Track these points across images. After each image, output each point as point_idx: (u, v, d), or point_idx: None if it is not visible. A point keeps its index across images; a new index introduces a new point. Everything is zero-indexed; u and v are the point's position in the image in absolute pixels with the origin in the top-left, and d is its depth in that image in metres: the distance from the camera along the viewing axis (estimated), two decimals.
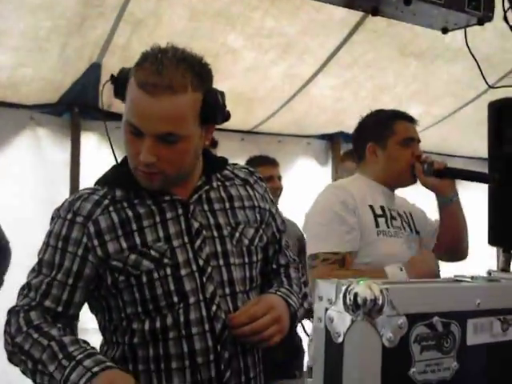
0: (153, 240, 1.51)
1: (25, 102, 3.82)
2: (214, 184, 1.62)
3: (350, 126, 4.93)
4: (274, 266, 1.71)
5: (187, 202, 1.56)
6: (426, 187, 2.51)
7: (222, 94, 1.49)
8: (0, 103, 3.75)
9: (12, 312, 1.49)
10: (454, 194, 2.49)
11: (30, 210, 3.77)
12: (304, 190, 4.81)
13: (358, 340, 0.80)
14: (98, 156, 3.96)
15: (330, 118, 4.69)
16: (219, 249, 1.55)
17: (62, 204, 1.57)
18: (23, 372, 1.46)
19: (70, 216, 1.52)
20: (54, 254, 1.52)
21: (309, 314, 1.59)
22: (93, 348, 1.40)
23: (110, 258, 1.49)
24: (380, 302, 0.79)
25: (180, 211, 1.55)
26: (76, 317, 1.54)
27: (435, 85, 4.25)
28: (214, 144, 3.20)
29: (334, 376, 0.83)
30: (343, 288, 0.81)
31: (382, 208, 2.45)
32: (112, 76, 1.49)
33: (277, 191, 3.77)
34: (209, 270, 1.52)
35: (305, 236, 2.64)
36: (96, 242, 1.50)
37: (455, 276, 0.99)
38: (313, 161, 5.21)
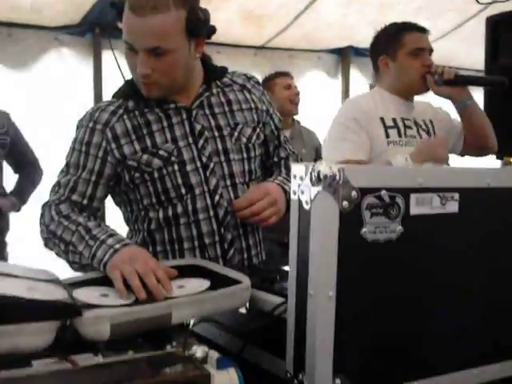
0: (161, 142, 1.77)
1: (49, 24, 4.02)
2: (214, 91, 1.86)
3: (358, 40, 5.10)
4: (276, 159, 1.97)
5: (190, 108, 1.81)
6: (440, 96, 2.70)
7: (205, 10, 1.72)
8: (26, 26, 3.97)
9: (45, 206, 1.77)
10: (467, 97, 2.67)
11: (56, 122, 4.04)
12: (316, 101, 5.03)
13: (321, 206, 1.06)
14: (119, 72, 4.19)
15: (339, 33, 4.84)
16: (220, 147, 1.81)
17: (84, 115, 1.84)
18: (57, 254, 1.73)
19: (91, 124, 1.79)
20: (78, 157, 1.79)
21: None
22: (113, 230, 1.65)
23: (127, 159, 1.77)
24: (337, 177, 1.05)
25: (184, 116, 1.80)
26: (98, 209, 1.81)
27: (438, 0, 4.36)
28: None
29: (304, 234, 1.09)
30: (310, 168, 1.06)
31: (394, 119, 2.65)
32: (111, 3, 1.72)
33: (296, 97, 4.03)
34: (211, 165, 1.79)
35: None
36: (114, 145, 1.77)
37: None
38: (323, 74, 5.39)
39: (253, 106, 1.90)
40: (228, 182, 1.82)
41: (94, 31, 4.22)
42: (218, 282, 1.39)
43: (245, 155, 1.85)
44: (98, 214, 1.83)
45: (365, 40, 5.15)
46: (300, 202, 1.10)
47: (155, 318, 1.23)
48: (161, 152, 1.77)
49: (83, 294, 1.33)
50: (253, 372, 1.19)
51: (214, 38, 3.99)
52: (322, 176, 1.04)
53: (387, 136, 2.58)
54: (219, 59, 4.62)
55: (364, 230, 1.09)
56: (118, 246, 1.53)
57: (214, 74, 1.88)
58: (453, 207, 1.19)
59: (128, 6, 1.64)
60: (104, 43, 4.25)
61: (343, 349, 1.09)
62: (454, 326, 1.24)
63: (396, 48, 2.70)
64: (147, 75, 1.68)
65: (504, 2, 2.68)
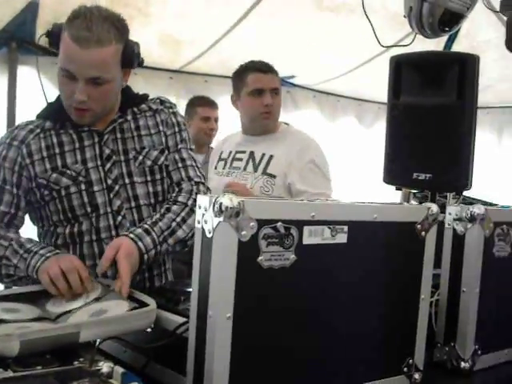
0: (71, 162, 1.88)
1: None
2: (129, 117, 1.98)
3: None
4: (170, 182, 2.01)
5: (102, 132, 1.92)
6: None
7: (138, 44, 1.88)
8: None
9: None
10: None
11: None
12: (230, 126, 5.17)
13: (222, 235, 1.16)
14: (35, 87, 4.17)
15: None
16: (125, 170, 1.92)
17: (5, 133, 1.94)
18: None
19: (8, 141, 1.90)
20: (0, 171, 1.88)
21: (184, 245, 1.90)
22: (44, 243, 1.79)
23: (37, 177, 1.87)
24: (237, 209, 1.15)
25: (96, 139, 1.91)
26: (23, 220, 1.93)
27: (349, 38, 4.58)
28: None
29: (206, 260, 1.19)
30: (213, 199, 1.17)
31: (230, 152, 2.86)
32: (48, 31, 1.82)
33: (212, 131, 4.09)
34: (116, 187, 1.90)
35: None
36: (28, 161, 1.88)
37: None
38: None
39: (161, 128, 2.00)
40: (133, 204, 1.92)
41: (9, 46, 4.19)
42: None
43: (148, 178, 1.95)
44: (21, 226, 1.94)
45: (277, 69, 5.37)
46: (203, 230, 1.20)
47: (64, 336, 1.29)
48: (69, 172, 1.87)
49: None
50: None
51: None
52: (223, 207, 1.15)
53: (215, 167, 2.95)
54: (135, 81, 4.67)
55: (260, 257, 1.20)
56: (49, 254, 1.68)
57: (131, 101, 2.00)
58: (342, 238, 1.32)
59: (70, 37, 1.73)
60: (21, 59, 4.24)
61: (239, 366, 1.19)
62: (343, 346, 1.37)
63: (240, 87, 2.90)
64: (84, 102, 1.79)
65: (406, 46, 2.87)
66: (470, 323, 1.65)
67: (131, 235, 1.78)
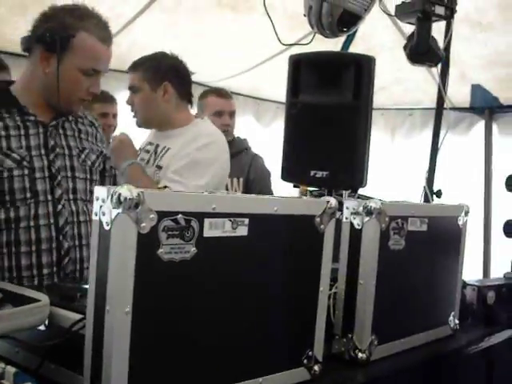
0: (16, 147, 1.92)
1: None
2: (70, 118, 2.12)
3: None
4: None
5: (47, 124, 2.01)
6: None
7: None
8: None
9: None
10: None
11: None
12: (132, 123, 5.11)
13: (120, 227, 1.13)
14: None
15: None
16: (68, 163, 2.01)
17: None
18: None
19: None
20: None
21: None
22: None
23: None
24: (136, 200, 1.13)
25: (41, 130, 1.99)
26: None
27: (250, 36, 4.62)
28: None
29: (103, 253, 1.16)
30: (111, 190, 1.13)
31: (143, 144, 2.95)
32: (54, 34, 1.92)
33: (110, 128, 3.99)
34: (59, 177, 1.97)
35: None
36: None
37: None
38: None
39: (100, 145, 2.21)
40: (71, 196, 1.99)
41: None
42: (15, 300, 1.41)
43: (88, 176, 2.08)
44: None
45: None
46: (101, 222, 1.16)
47: None
48: (14, 155, 1.91)
49: None
50: None
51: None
52: (122, 199, 1.11)
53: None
54: None
55: (160, 250, 1.17)
56: None
57: None
58: (243, 231, 1.32)
59: (97, 38, 1.95)
60: None
61: (138, 361, 1.16)
62: (242, 338, 1.36)
63: None
64: (96, 94, 2.06)
65: (306, 44, 2.92)
66: (366, 315, 1.69)
67: None
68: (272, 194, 3.77)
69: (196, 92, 5.70)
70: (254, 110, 5.89)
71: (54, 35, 1.92)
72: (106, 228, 1.14)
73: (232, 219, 1.29)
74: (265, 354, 1.43)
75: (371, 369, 1.71)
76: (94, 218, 1.18)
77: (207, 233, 1.25)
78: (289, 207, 1.43)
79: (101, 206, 1.16)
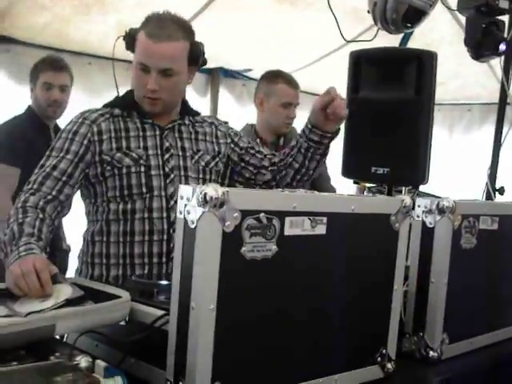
0: (135, 146, 2.07)
1: None
2: (186, 121, 2.19)
3: (227, 62, 5.26)
4: (266, 164, 2.28)
5: (164, 127, 2.12)
6: None
7: (202, 44, 2.11)
8: None
9: (23, 191, 1.96)
10: None
11: None
12: None
13: (205, 226, 1.15)
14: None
15: (211, 54, 4.97)
16: (181, 163, 2.11)
17: (76, 115, 2.12)
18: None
19: (80, 120, 2.08)
20: (64, 143, 2.03)
21: None
22: (36, 241, 1.76)
23: (103, 153, 2.03)
24: (221, 199, 1.14)
25: (157, 132, 2.11)
26: (73, 188, 2.02)
27: (312, 29, 4.60)
28: None
29: (188, 251, 1.18)
30: (197, 189, 1.15)
31: None
32: (125, 35, 2.07)
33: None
34: (172, 176, 2.08)
35: None
36: (96, 138, 2.04)
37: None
38: (193, 92, 5.52)
39: (221, 141, 2.24)
40: None
41: None
42: (97, 297, 1.44)
43: (201, 176, 2.15)
44: (70, 197, 2.03)
45: (234, 62, 5.36)
46: (186, 221, 1.18)
47: (39, 329, 1.26)
48: (133, 154, 2.05)
49: None
50: (131, 382, 1.26)
51: (87, 49, 4.02)
52: (208, 198, 1.13)
53: None
54: (90, 70, 4.61)
55: (244, 248, 1.19)
56: (23, 253, 1.67)
57: (189, 110, 2.22)
58: (321, 229, 1.33)
59: (146, 34, 1.99)
60: None
61: (221, 357, 1.19)
62: (320, 337, 1.37)
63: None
64: (155, 91, 2.01)
65: (369, 41, 2.90)
66: (438, 313, 1.68)
67: None
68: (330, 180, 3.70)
69: (253, 88, 5.77)
70: (310, 106, 5.88)
71: (127, 35, 2.08)
72: (192, 226, 1.16)
73: (311, 218, 1.30)
74: (340, 351, 1.44)
75: (442, 368, 1.71)
76: (178, 216, 1.20)
77: (288, 231, 1.26)
78: (365, 206, 1.44)
79: (185, 205, 1.18)
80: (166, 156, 2.10)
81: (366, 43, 3.36)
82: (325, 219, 1.33)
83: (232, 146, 2.27)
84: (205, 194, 1.13)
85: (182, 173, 2.12)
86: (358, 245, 1.43)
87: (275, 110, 3.27)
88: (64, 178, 1.99)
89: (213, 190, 1.14)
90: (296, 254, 1.29)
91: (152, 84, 2.00)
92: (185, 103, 2.24)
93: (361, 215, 1.41)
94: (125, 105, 2.13)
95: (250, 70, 5.46)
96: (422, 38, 4.83)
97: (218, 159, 2.22)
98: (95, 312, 1.35)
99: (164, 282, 1.65)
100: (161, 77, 2.00)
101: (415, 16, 2.75)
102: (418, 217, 1.71)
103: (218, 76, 5.54)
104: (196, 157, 2.15)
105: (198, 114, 2.28)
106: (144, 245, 2.03)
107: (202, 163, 2.16)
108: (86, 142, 2.04)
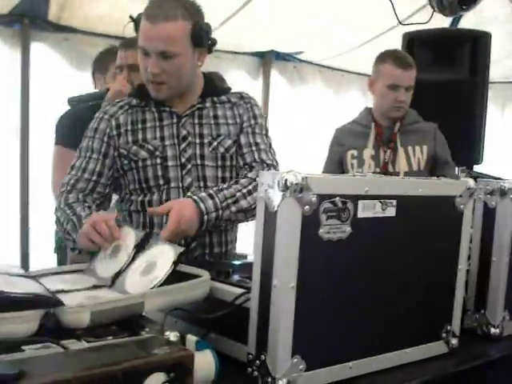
0: (151, 138, 2.06)
1: None
2: (207, 104, 2.12)
3: (280, 45, 5.32)
4: (241, 164, 2.13)
5: (181, 115, 2.08)
6: None
7: (208, 24, 2.01)
8: None
9: (60, 193, 2.05)
10: None
11: None
12: None
13: (286, 210, 1.23)
14: (47, 63, 4.26)
15: (263, 37, 5.03)
16: (198, 152, 2.07)
17: (99, 110, 2.16)
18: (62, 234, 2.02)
19: (101, 115, 2.12)
20: (88, 142, 2.09)
21: (246, 214, 1.99)
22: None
23: (120, 147, 2.06)
24: (301, 185, 1.22)
25: (175, 120, 2.08)
26: (106, 186, 2.08)
27: (363, 11, 4.62)
28: None
29: (269, 233, 1.26)
30: (277, 176, 1.23)
31: None
32: (132, 18, 2.02)
33: None
34: (188, 166, 2.05)
35: None
36: (115, 132, 2.07)
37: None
38: (245, 74, 5.60)
39: (238, 121, 2.13)
40: (201, 184, 2.06)
41: (22, 23, 4.22)
42: (179, 276, 1.54)
43: (219, 163, 2.08)
44: (107, 192, 2.11)
45: (286, 45, 5.41)
46: (266, 205, 1.26)
47: (130, 306, 1.36)
48: (148, 146, 2.05)
49: (48, 283, 1.47)
50: None
51: None
52: (288, 183, 1.21)
53: None
54: None
55: (321, 230, 1.27)
56: (85, 219, 1.83)
57: (212, 91, 2.14)
58: (391, 212, 1.40)
59: (144, 17, 1.92)
60: (33, 35, 4.27)
61: (300, 332, 1.27)
62: (390, 313, 1.45)
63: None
64: (157, 74, 1.96)
65: (424, 23, 2.93)
66: (499, 291, 1.73)
67: (194, 197, 1.92)
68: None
69: (303, 70, 5.82)
70: (360, 87, 5.91)
71: (133, 19, 2.03)
72: (272, 210, 1.25)
73: (382, 201, 1.37)
74: (408, 327, 1.51)
75: (503, 344, 1.75)
76: (259, 200, 1.28)
77: (361, 214, 1.33)
78: (432, 189, 1.50)
79: (266, 190, 1.26)
80: (183, 145, 2.06)
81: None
82: (394, 202, 1.39)
83: (243, 128, 2.14)
84: (285, 180, 1.21)
85: (199, 162, 2.06)
86: (424, 226, 1.49)
87: (382, 92, 3.08)
88: (94, 178, 2.04)
89: (293, 176, 1.22)
90: (368, 234, 1.36)
91: (152, 67, 1.94)
92: (208, 83, 2.16)
93: (428, 197, 1.48)
94: (141, 94, 2.10)
95: (301, 52, 5.51)
96: (474, 16, 4.81)
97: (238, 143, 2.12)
98: (179, 290, 1.44)
99: (237, 262, 1.74)
100: (161, 59, 1.93)
101: None
102: (479, 198, 1.76)
103: (270, 59, 5.61)
104: (215, 143, 2.08)
105: (224, 92, 2.18)
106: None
107: (222, 149, 2.08)
108: (105, 138, 2.06)
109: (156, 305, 1.41)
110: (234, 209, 1.96)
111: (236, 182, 2.03)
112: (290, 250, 1.24)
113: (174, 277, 1.52)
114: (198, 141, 2.07)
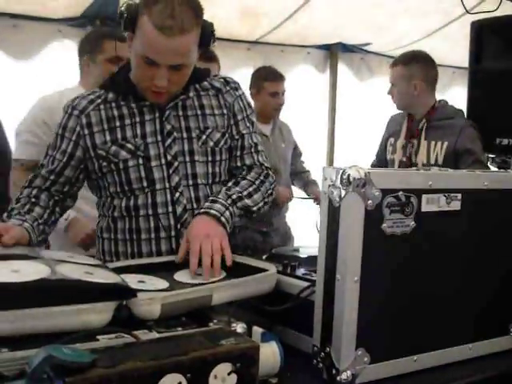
0: (131, 136, 1.89)
1: (52, 16, 4.18)
2: (191, 94, 1.96)
3: (346, 37, 5.29)
4: (239, 164, 2.01)
5: (164, 108, 1.91)
6: None
7: (212, 24, 1.85)
8: (31, 17, 4.12)
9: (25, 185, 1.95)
10: None
11: None
12: (304, 94, 5.27)
13: (349, 204, 1.25)
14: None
15: (329, 30, 5.02)
16: (186, 147, 1.91)
17: (67, 102, 1.98)
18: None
19: (69, 110, 1.94)
20: (55, 139, 1.94)
21: (247, 211, 1.90)
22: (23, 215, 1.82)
23: (97, 148, 1.89)
24: (364, 180, 1.24)
25: (157, 114, 1.91)
26: (65, 185, 1.95)
27: (426, 1, 4.56)
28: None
29: (333, 228, 1.28)
30: (340, 171, 1.25)
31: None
32: (120, 13, 1.78)
33: (279, 106, 3.95)
34: (175, 164, 1.90)
35: None
36: (86, 131, 1.90)
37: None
38: (312, 68, 5.59)
39: (224, 111, 1.99)
40: (190, 182, 1.92)
41: (94, 24, 4.34)
42: (245, 270, 1.58)
43: (209, 158, 1.94)
44: (67, 190, 1.97)
45: (353, 37, 5.38)
46: (330, 200, 1.28)
47: (198, 299, 1.41)
48: (128, 145, 1.89)
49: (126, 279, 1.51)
50: None
51: None
52: (351, 179, 1.23)
53: None
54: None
55: (384, 224, 1.29)
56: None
57: (193, 77, 1.94)
58: (456, 205, 1.39)
59: (154, 25, 1.71)
60: None
61: (364, 326, 1.29)
62: (455, 308, 1.45)
63: None
64: (164, 86, 1.81)
65: (492, 12, 2.87)
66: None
67: (201, 210, 1.80)
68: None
69: (370, 62, 5.78)
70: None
71: (124, 13, 1.78)
72: (336, 205, 1.27)
73: (446, 195, 1.37)
74: (475, 322, 1.50)
75: None
76: (322, 195, 1.31)
77: (425, 208, 1.34)
78: (498, 182, 1.48)
79: (329, 185, 1.28)
80: (168, 142, 1.90)
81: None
82: (459, 195, 1.39)
83: (232, 122, 2.00)
84: (348, 176, 1.23)
85: (188, 158, 1.91)
86: (491, 219, 1.48)
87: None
88: (52, 177, 1.93)
89: (356, 172, 1.23)
90: (432, 229, 1.37)
91: (160, 79, 1.78)
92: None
93: (493, 191, 1.46)
94: (119, 88, 1.94)
95: (368, 43, 5.47)
96: None
97: (227, 135, 1.98)
98: (247, 284, 1.48)
99: (303, 256, 1.76)
100: (170, 71, 1.79)
101: None
102: None
103: (337, 51, 5.59)
104: (203, 136, 1.93)
105: (205, 77, 2.01)
106: (151, 243, 1.90)
107: (211, 143, 1.94)
108: (74, 137, 1.92)
109: (224, 298, 1.44)
110: (239, 205, 1.87)
111: (236, 184, 1.94)
112: (354, 244, 1.25)
113: (242, 270, 1.56)
114: (185, 135, 1.92)
